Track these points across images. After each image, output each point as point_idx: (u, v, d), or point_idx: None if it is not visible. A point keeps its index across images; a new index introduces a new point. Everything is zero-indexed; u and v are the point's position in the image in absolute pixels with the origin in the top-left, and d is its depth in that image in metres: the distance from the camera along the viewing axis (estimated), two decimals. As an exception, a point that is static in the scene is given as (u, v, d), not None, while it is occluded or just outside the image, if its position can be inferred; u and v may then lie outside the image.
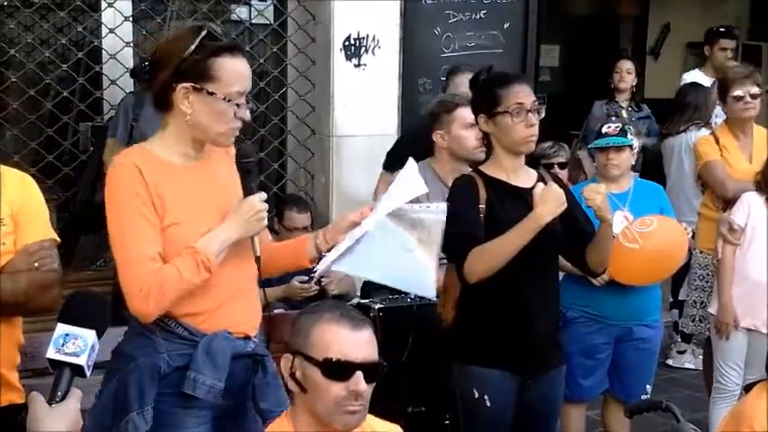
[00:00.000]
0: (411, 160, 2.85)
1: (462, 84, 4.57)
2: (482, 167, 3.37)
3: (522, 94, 3.23)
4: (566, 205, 3.14)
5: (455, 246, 2.92)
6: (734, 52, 6.88)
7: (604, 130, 4.20)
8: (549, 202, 3.11)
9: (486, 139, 3.35)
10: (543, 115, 3.27)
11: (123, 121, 4.89)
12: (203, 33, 2.54)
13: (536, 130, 3.23)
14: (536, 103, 3.23)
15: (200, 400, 2.54)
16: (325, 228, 2.77)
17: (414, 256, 2.72)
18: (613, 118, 6.31)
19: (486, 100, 3.29)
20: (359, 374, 2.14)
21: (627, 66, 6.64)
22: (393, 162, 4.57)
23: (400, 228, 2.70)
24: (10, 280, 2.45)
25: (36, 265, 2.49)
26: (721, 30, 6.89)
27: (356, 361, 2.15)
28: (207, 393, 2.53)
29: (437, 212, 2.74)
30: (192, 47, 2.52)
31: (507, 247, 3.13)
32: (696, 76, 6.70)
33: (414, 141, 4.56)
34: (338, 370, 2.14)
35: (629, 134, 4.20)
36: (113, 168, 2.59)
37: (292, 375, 2.21)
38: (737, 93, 4.73)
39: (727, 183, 4.73)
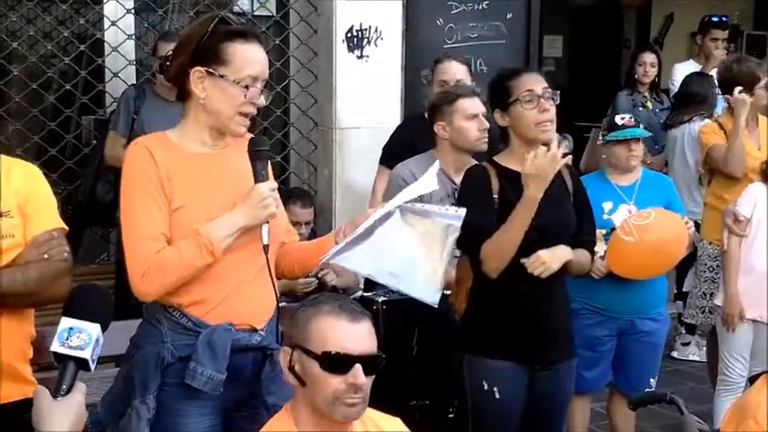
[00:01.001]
0: (437, 163, 2.85)
1: (445, 70, 4.59)
2: (496, 158, 3.38)
3: (532, 82, 3.25)
4: (550, 175, 3.14)
5: (467, 238, 2.95)
6: (725, 43, 6.87)
7: (620, 122, 4.18)
8: (536, 178, 3.13)
9: (505, 135, 3.34)
10: (558, 101, 3.27)
11: (124, 113, 4.88)
12: (217, 19, 2.58)
13: (550, 115, 3.24)
14: (547, 89, 3.24)
15: (202, 390, 2.54)
16: (347, 222, 2.76)
17: (419, 259, 2.69)
18: (640, 108, 6.32)
19: (499, 94, 3.31)
20: (358, 367, 2.13)
21: (650, 59, 6.63)
22: (389, 155, 4.56)
23: (412, 228, 2.66)
24: (21, 271, 2.46)
25: (46, 256, 2.50)
26: (713, 20, 6.90)
27: (355, 354, 2.14)
28: (205, 384, 2.53)
29: (455, 218, 2.70)
30: (207, 32, 2.56)
31: (511, 233, 3.16)
32: (691, 65, 6.71)
33: (409, 134, 4.56)
34: (337, 363, 2.13)
35: (640, 125, 4.22)
36: (128, 149, 2.65)
37: (291, 369, 2.20)
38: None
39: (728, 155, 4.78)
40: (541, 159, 3.13)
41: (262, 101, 2.61)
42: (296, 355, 2.19)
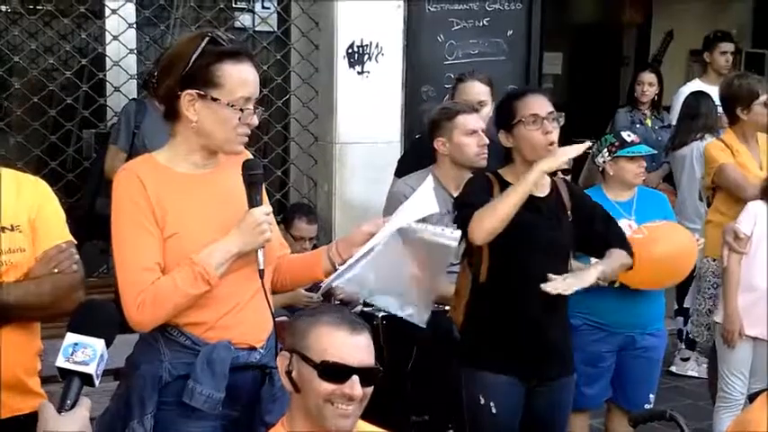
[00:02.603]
0: (430, 178, 2.83)
1: (468, 90, 4.59)
2: (500, 171, 3.39)
3: (536, 104, 3.26)
4: (564, 160, 3.21)
5: (467, 222, 2.94)
6: (733, 56, 6.88)
7: (629, 139, 4.18)
8: (553, 158, 3.19)
9: (508, 152, 3.35)
10: (563, 123, 3.28)
11: (125, 128, 4.89)
12: (207, 39, 2.52)
13: (553, 138, 3.24)
14: (552, 112, 3.25)
15: (201, 409, 2.52)
16: (339, 239, 2.75)
17: (414, 280, 2.68)
18: (638, 125, 6.33)
19: (504, 114, 3.32)
20: (354, 378, 2.15)
21: (649, 78, 6.65)
22: (404, 169, 4.57)
23: (408, 249, 2.65)
24: (34, 284, 2.46)
25: (56, 270, 2.50)
26: (718, 34, 6.91)
27: (353, 365, 2.16)
28: (204, 403, 2.51)
29: (450, 238, 2.67)
30: (196, 53, 2.49)
31: (508, 199, 3.14)
32: (698, 85, 6.70)
33: (422, 148, 4.57)
34: (335, 373, 2.15)
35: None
36: (117, 175, 2.60)
37: (288, 373, 2.22)
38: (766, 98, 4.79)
39: (744, 183, 4.74)
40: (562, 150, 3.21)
41: (255, 120, 2.57)
42: (294, 361, 2.21)
